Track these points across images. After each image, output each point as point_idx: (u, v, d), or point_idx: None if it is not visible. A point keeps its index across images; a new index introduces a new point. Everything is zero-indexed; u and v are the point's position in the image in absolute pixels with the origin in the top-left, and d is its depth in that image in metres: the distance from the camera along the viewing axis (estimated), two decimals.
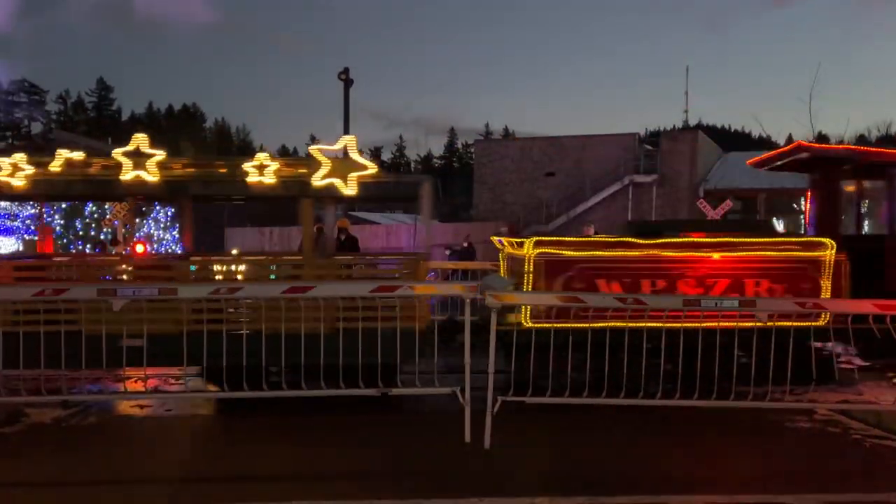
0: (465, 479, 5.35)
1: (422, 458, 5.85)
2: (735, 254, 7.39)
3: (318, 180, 7.11)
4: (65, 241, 20.40)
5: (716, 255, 7.39)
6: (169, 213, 22.81)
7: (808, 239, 7.74)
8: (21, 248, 19.24)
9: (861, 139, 48.48)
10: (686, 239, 7.61)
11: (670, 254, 7.41)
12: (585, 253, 7.39)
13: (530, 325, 6.78)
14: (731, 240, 7.54)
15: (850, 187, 9.69)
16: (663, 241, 7.47)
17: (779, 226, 35.04)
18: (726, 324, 6.19)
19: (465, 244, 18.72)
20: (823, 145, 10.97)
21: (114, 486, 5.23)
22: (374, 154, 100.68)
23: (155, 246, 21.63)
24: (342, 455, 5.96)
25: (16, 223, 24.37)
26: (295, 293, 6.34)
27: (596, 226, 15.40)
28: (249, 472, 5.59)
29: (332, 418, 6.82)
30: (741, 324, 6.19)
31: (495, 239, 9.10)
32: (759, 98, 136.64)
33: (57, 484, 5.30)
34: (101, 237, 18.55)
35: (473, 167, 40.62)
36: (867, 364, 8.14)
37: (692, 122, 64.86)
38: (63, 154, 7.20)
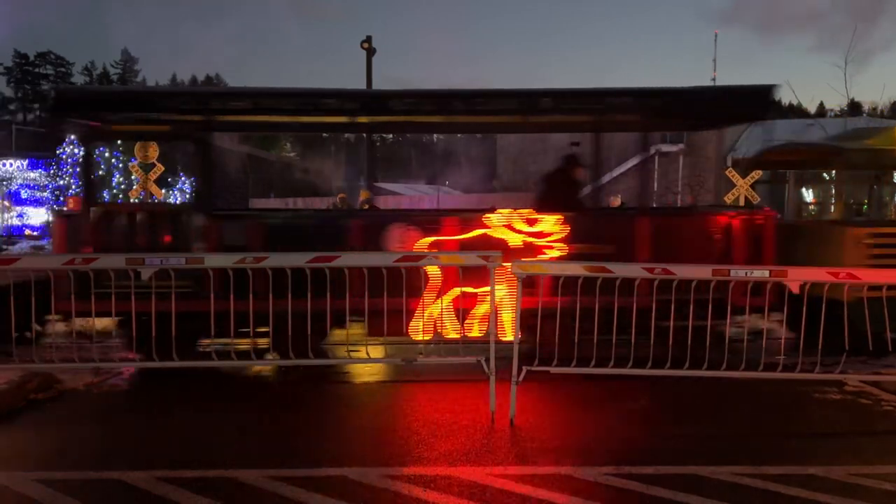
0: (489, 448, 5.38)
1: (447, 428, 5.89)
2: None
3: None
4: None
5: None
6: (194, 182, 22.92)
7: None
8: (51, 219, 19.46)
9: (895, 105, 47.19)
10: None
11: None
12: None
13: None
14: None
15: None
16: None
17: (808, 195, 34.44)
18: None
19: None
20: None
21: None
22: None
23: None
24: (369, 423, 6.02)
25: (45, 194, 24.62)
26: (320, 262, 6.35)
27: (622, 196, 15.23)
28: (276, 442, 5.66)
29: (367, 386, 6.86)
30: None
31: None
32: (792, 65, 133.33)
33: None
34: None
35: (496, 136, 40.20)
36: None
37: None
38: None
